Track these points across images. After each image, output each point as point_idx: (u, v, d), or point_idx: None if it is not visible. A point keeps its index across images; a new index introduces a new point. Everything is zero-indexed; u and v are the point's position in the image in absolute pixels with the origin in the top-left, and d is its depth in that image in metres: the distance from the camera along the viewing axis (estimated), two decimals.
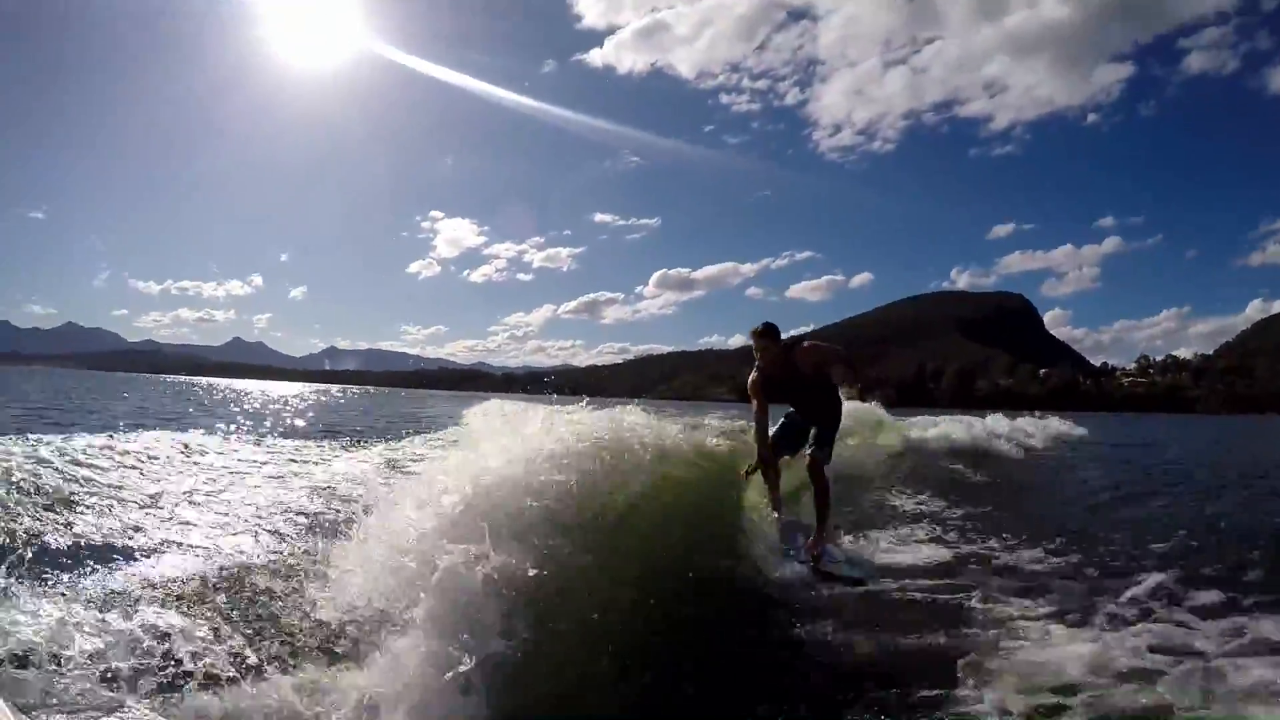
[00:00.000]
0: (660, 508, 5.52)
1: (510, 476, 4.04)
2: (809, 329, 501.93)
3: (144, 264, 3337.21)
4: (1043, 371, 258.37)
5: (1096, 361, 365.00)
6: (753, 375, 6.92)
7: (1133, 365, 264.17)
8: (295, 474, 8.55)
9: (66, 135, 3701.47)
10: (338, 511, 6.40)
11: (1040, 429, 22.56)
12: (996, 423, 19.62)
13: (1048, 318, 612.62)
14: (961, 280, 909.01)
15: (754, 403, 6.91)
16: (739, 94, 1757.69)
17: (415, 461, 9.84)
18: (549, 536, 3.82)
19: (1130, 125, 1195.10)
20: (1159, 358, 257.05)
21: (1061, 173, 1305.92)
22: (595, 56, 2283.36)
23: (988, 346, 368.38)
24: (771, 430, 7.03)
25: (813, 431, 6.87)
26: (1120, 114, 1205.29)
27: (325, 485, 7.90)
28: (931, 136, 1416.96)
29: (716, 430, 8.58)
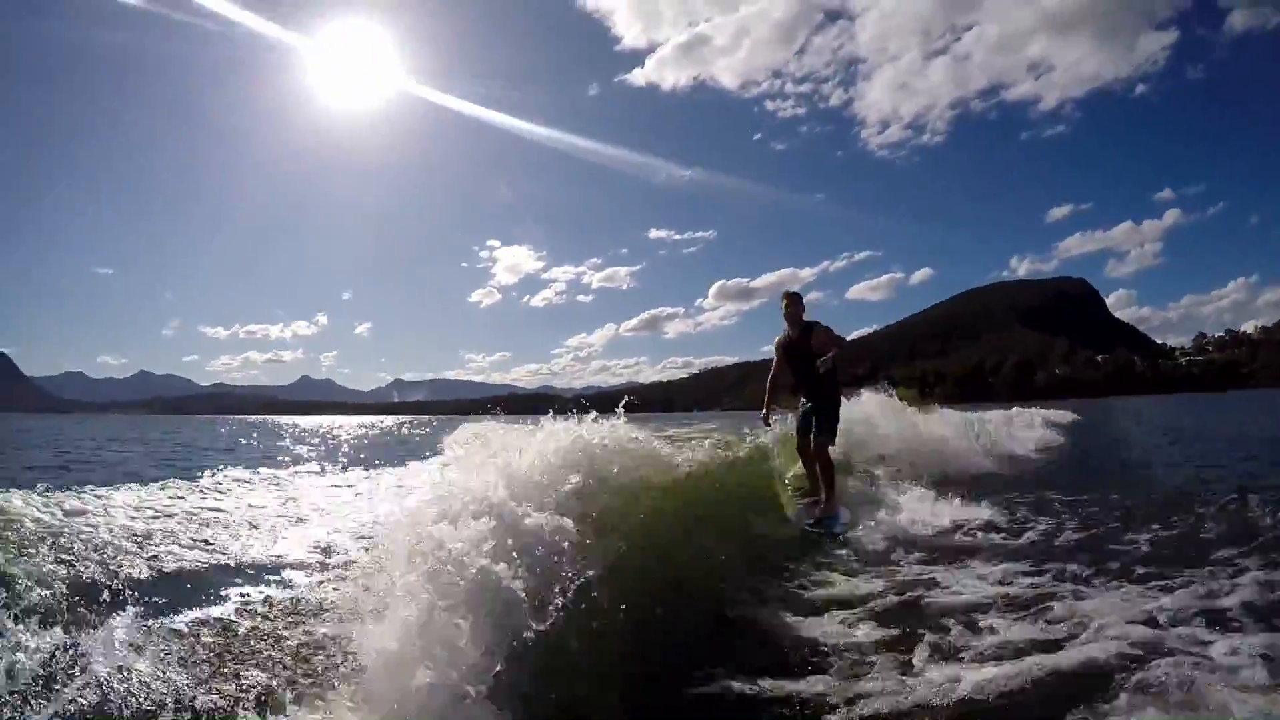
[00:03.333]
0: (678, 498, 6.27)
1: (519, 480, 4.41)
2: (871, 330, 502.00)
3: (212, 310, 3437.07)
4: (1100, 357, 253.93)
5: (1167, 341, 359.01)
6: (779, 337, 8.01)
7: (1190, 343, 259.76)
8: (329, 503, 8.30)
9: (129, 193, 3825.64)
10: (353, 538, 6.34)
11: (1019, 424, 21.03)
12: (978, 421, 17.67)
13: (1112, 299, 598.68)
14: (1021, 268, 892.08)
15: (775, 359, 8.03)
16: (783, 99, 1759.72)
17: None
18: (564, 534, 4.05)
19: (1180, 92, 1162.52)
20: (1219, 333, 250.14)
21: (1115, 148, 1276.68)
22: (638, 76, 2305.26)
23: (1049, 335, 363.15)
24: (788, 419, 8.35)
25: (814, 419, 7.72)
26: (1169, 82, 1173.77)
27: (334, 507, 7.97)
28: (980, 124, 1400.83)
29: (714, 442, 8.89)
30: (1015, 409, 24.73)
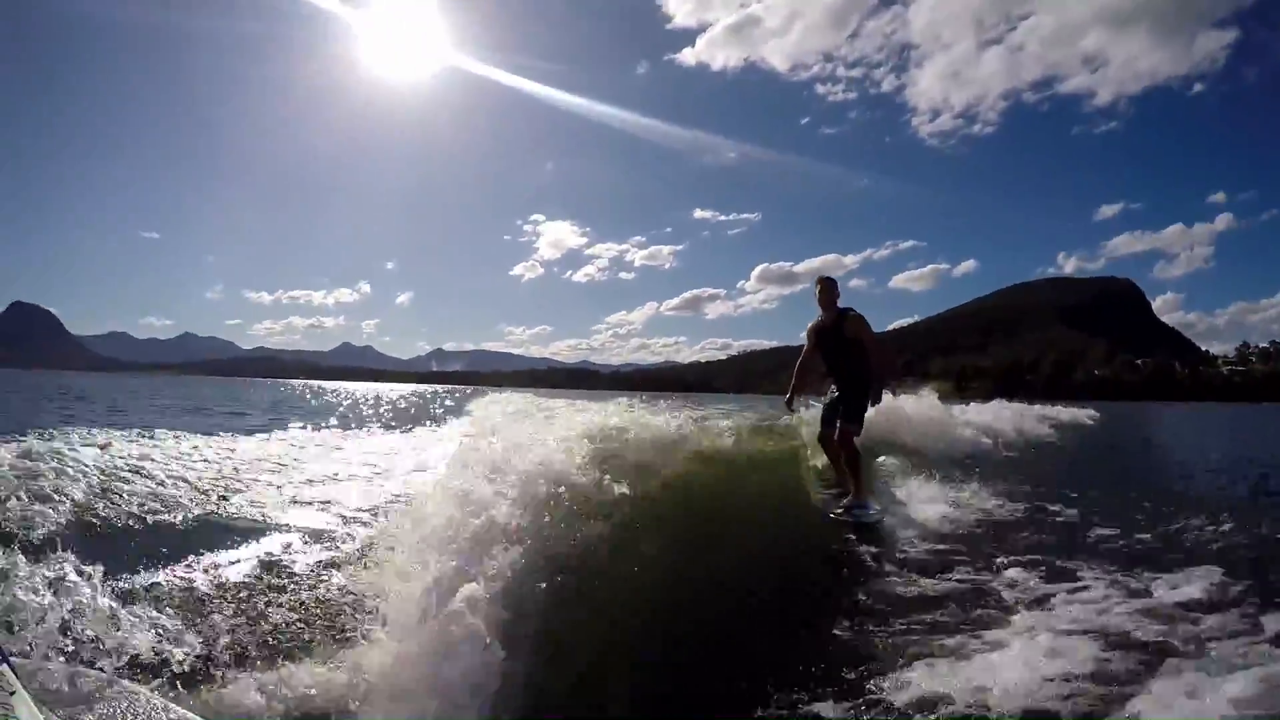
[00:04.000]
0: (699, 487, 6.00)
1: (535, 464, 4.42)
2: (913, 321, 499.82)
3: (256, 275, 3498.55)
4: (1140, 361, 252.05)
5: (1212, 348, 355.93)
6: (812, 323, 7.88)
7: (1233, 352, 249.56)
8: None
9: (176, 160, 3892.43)
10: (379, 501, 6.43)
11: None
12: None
13: (1159, 302, 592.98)
14: (1068, 265, 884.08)
15: (807, 344, 7.93)
16: (834, 84, 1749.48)
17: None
18: (575, 524, 4.16)
19: (1237, 93, 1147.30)
20: (1264, 344, 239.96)
21: (1168, 148, 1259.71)
22: (688, 55, 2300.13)
23: (1091, 335, 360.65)
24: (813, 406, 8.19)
25: (841, 406, 7.57)
26: (1227, 82, 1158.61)
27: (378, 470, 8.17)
28: (1032, 116, 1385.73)
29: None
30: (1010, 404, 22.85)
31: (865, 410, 7.55)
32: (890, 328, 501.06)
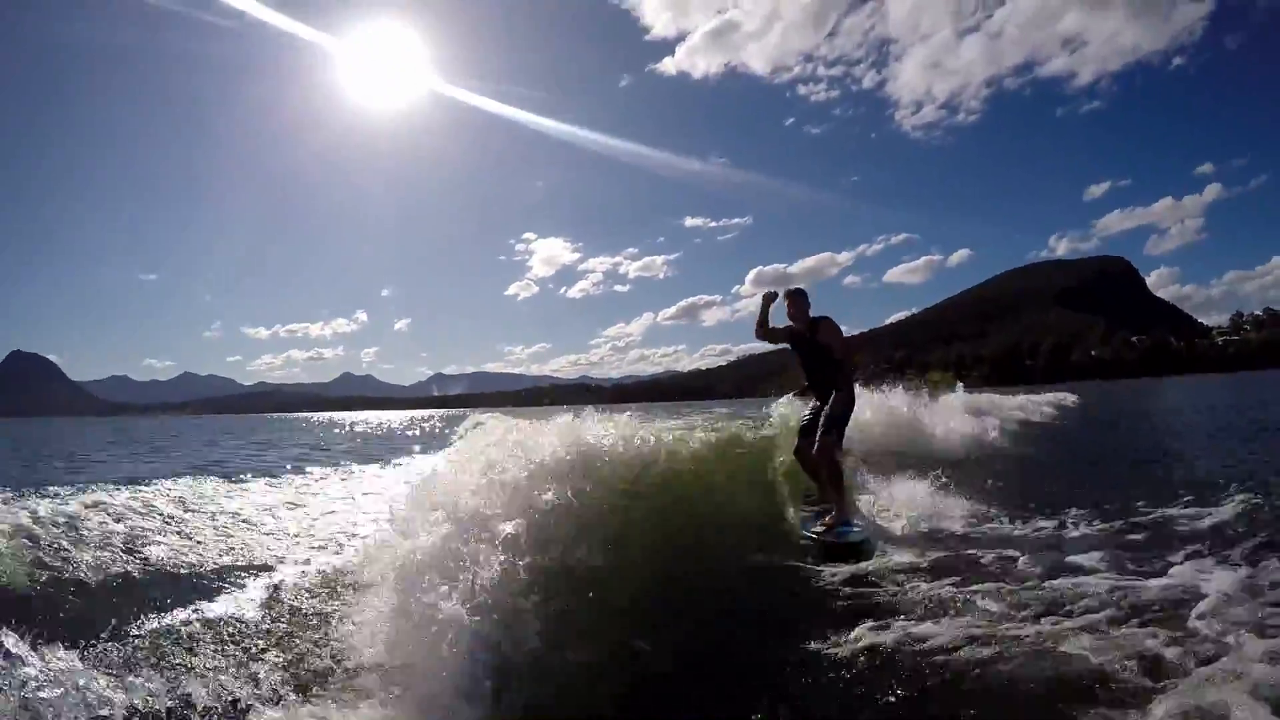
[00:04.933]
0: (672, 499, 5.95)
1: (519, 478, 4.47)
2: (910, 314, 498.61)
3: (253, 311, 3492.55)
4: (1136, 339, 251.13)
5: (1209, 319, 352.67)
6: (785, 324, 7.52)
7: (1227, 322, 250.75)
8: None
9: (168, 200, 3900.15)
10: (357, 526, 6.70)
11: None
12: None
13: (1153, 277, 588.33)
14: (1061, 247, 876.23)
15: (778, 325, 7.55)
16: (815, 83, 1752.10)
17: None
18: (561, 537, 4.20)
19: (1218, 62, 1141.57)
20: (1258, 311, 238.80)
21: (1153, 122, 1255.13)
22: (668, 65, 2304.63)
23: (1089, 315, 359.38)
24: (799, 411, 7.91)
25: (822, 415, 7.04)
26: (1206, 52, 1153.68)
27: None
28: (1015, 101, 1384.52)
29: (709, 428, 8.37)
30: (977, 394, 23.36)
31: (846, 421, 7.12)
32: (888, 321, 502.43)
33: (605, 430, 5.93)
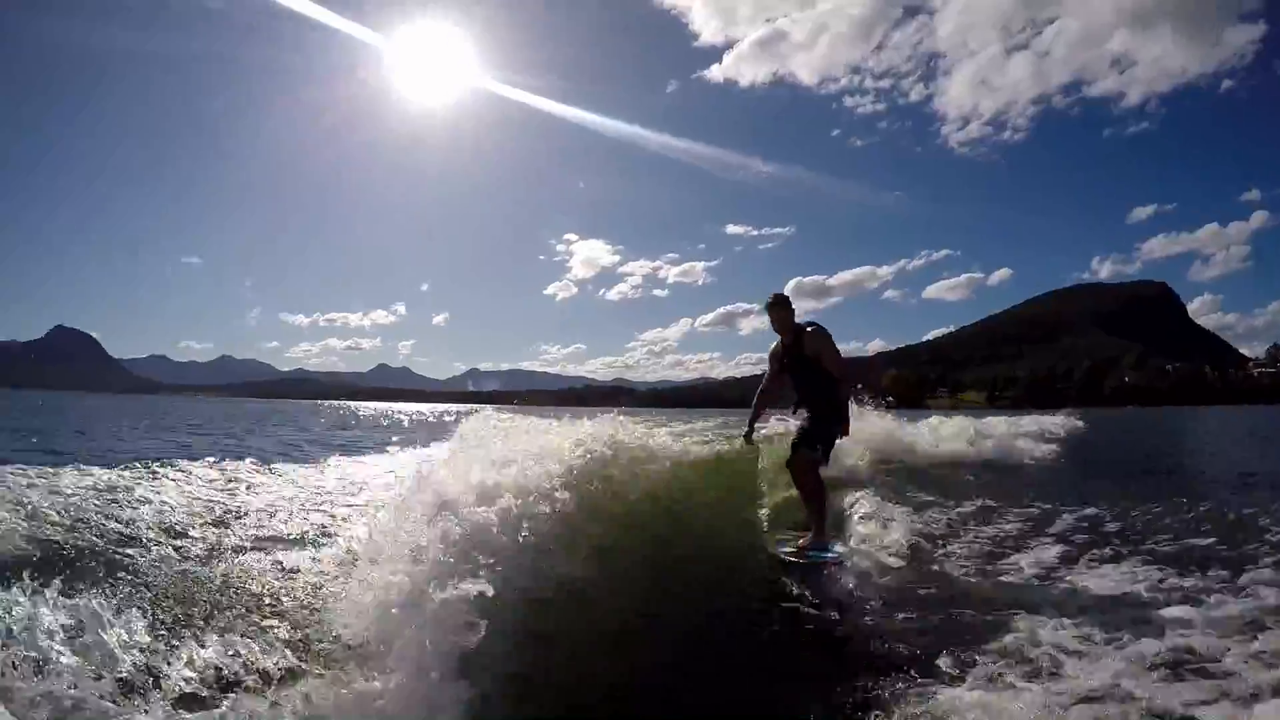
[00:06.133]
0: (661, 510, 5.65)
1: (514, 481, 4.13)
2: (949, 330, 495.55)
3: (293, 299, 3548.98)
4: (1170, 366, 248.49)
5: (1250, 349, 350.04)
6: (773, 346, 6.99)
7: (1264, 354, 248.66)
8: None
9: (216, 187, 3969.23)
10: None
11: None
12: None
13: (1195, 304, 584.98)
14: (1103, 270, 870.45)
15: (768, 370, 7.08)
16: (862, 95, 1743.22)
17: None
18: (551, 545, 3.95)
19: (1269, 88, 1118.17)
20: None
21: (1200, 146, 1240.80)
22: (715, 72, 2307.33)
23: (1127, 340, 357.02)
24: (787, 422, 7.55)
25: (809, 429, 6.66)
26: (1257, 76, 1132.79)
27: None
28: (1062, 120, 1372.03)
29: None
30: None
31: (833, 439, 6.67)
32: (926, 338, 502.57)
33: (605, 432, 5.71)
